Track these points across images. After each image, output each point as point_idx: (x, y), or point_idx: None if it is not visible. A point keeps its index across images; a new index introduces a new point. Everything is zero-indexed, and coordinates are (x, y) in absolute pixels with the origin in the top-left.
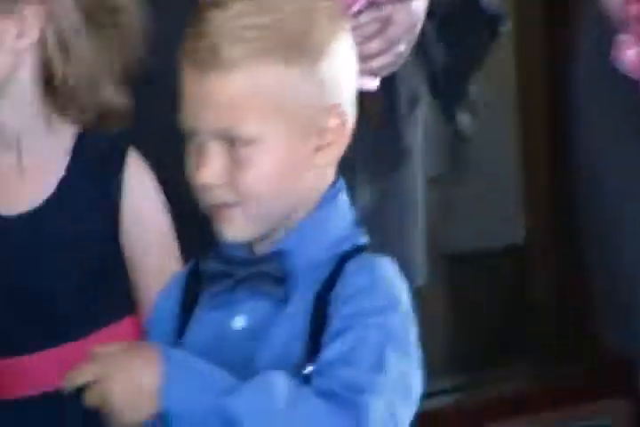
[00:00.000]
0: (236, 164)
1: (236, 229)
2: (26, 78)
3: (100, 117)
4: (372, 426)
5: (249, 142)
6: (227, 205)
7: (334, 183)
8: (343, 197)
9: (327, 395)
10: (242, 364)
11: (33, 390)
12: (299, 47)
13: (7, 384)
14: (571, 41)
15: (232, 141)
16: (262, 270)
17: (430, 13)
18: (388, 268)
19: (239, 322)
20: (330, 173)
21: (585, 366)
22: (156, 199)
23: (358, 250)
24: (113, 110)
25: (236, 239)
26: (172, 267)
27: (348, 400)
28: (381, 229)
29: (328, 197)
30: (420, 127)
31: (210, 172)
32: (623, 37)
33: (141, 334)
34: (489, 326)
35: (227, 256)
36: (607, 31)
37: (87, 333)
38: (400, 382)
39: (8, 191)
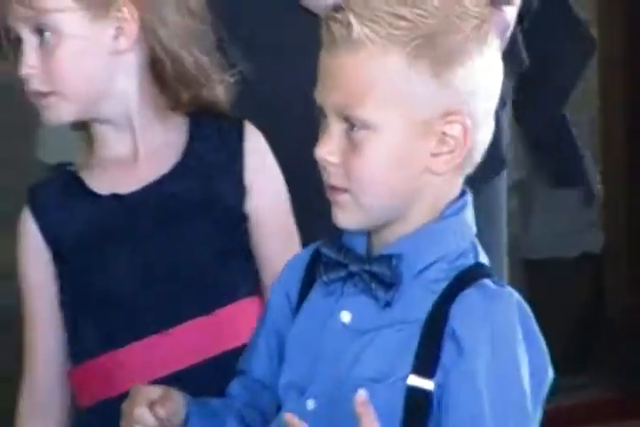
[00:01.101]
0: (351, 147)
1: (345, 215)
2: (132, 77)
3: (209, 105)
4: None
5: (365, 126)
6: (339, 189)
7: (460, 197)
8: (467, 213)
9: None
10: (340, 357)
11: (163, 370)
12: (432, 46)
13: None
14: None
15: (352, 123)
16: (372, 270)
17: (520, 20)
18: (507, 307)
19: (345, 317)
20: (454, 184)
21: None
22: (275, 173)
23: (475, 271)
24: (219, 100)
25: (346, 226)
26: (292, 246)
27: None
28: None
29: (451, 210)
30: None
31: (326, 149)
32: None
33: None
34: (566, 333)
35: (345, 246)
36: None
37: (211, 308)
38: None
39: (127, 174)
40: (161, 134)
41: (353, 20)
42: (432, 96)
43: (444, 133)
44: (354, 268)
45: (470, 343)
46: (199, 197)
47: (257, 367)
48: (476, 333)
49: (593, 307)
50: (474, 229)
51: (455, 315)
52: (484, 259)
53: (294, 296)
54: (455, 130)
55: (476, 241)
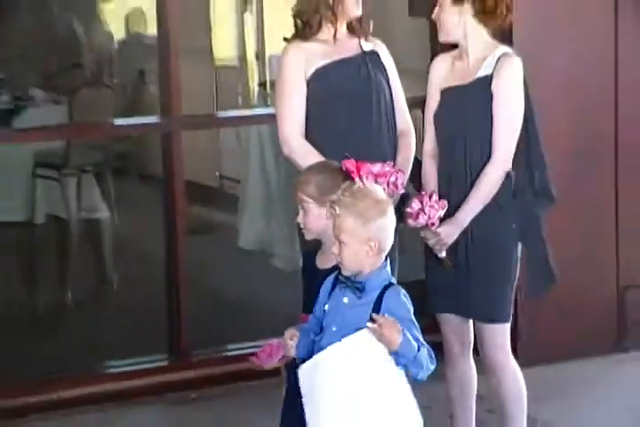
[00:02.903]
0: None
1: (343, 269)
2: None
3: None
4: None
5: (343, 242)
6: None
7: (384, 262)
8: (386, 268)
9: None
10: (344, 317)
11: None
12: (364, 217)
13: None
14: None
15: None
16: (355, 285)
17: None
18: (404, 294)
19: (345, 299)
20: (379, 259)
21: None
22: None
23: (390, 284)
24: None
25: (345, 273)
26: None
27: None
28: None
29: (380, 267)
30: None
31: (333, 248)
32: None
33: None
34: None
35: (348, 275)
36: None
37: None
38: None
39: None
40: None
41: (337, 205)
42: (363, 234)
43: (370, 246)
44: (348, 284)
45: (392, 308)
46: None
47: (311, 325)
48: (391, 306)
49: None
50: (389, 272)
51: (386, 300)
52: (394, 280)
53: (328, 292)
54: (374, 246)
55: (392, 276)
